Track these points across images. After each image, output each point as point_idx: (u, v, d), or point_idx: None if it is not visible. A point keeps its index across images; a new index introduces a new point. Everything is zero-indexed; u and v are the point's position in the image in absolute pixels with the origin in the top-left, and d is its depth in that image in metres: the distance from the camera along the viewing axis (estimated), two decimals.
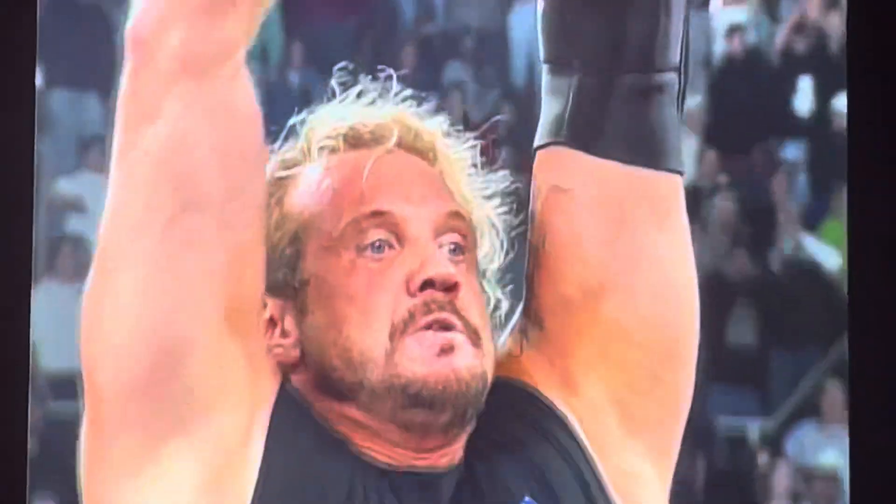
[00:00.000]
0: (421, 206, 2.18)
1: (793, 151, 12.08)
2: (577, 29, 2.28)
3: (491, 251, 2.27)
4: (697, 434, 10.74)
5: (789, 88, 12.53)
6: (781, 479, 10.33)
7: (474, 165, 2.25)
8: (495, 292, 2.27)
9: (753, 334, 11.79)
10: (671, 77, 2.28)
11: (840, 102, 12.11)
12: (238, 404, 2.13)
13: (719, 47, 13.47)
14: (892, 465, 2.93)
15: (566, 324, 2.27)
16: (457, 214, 2.17)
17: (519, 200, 2.29)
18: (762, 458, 10.64)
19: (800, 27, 13.23)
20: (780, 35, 13.72)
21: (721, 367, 10.76)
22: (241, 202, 2.12)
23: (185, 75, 2.10)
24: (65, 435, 10.78)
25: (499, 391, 2.19)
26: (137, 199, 2.09)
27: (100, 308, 2.11)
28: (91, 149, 12.30)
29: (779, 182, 11.92)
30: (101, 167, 12.13)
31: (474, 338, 2.13)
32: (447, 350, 2.10)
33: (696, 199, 12.22)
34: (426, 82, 11.98)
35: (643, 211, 2.29)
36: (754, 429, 11.08)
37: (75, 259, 11.87)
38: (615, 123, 2.28)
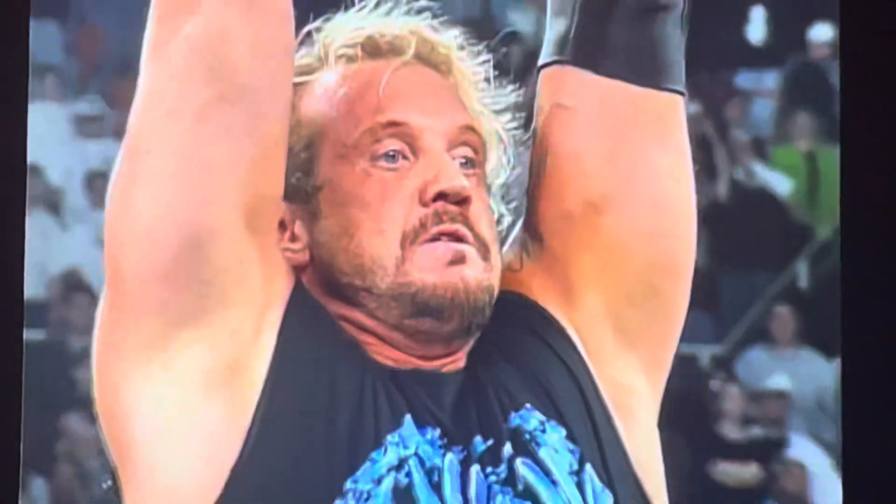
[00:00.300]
0: (436, 118, 2.18)
1: (747, 80, 12.08)
2: None
3: (497, 165, 2.28)
4: None
5: (743, 18, 12.37)
6: (732, 402, 10.34)
7: (486, 79, 2.24)
8: (499, 207, 2.29)
9: (705, 259, 11.17)
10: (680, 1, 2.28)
11: (796, 32, 12.08)
12: (252, 298, 2.13)
13: None
14: (884, 394, 3.10)
15: (566, 238, 2.27)
16: (470, 128, 2.18)
17: (528, 115, 2.30)
18: (713, 382, 10.64)
19: None
20: None
21: None
22: (273, 96, 2.15)
23: None
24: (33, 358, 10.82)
25: (499, 303, 2.20)
26: (172, 87, 2.11)
27: (128, 193, 2.12)
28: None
29: (732, 109, 11.91)
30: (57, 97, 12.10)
31: (483, 251, 2.15)
32: (458, 261, 2.11)
33: None
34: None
35: (644, 129, 2.29)
36: (705, 353, 11.00)
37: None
38: (619, 42, 2.28)
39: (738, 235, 11.14)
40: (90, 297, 10.71)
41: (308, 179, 2.21)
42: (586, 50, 2.29)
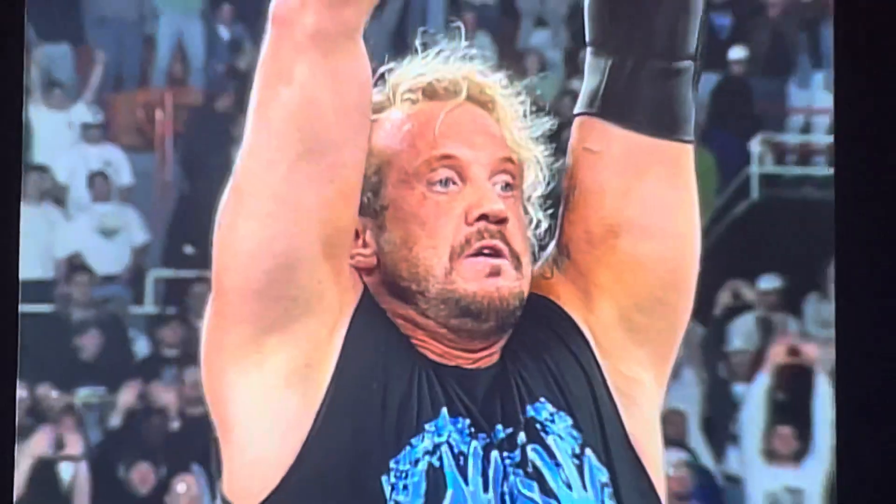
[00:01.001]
0: (481, 151, 2.36)
1: None
2: (616, 19, 2.45)
3: (536, 181, 2.46)
4: None
5: None
6: None
7: (524, 114, 2.42)
8: (537, 214, 2.47)
9: None
10: (690, 63, 2.46)
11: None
12: (328, 310, 2.33)
13: None
14: (877, 367, 3.11)
15: (588, 255, 2.47)
16: (508, 159, 2.38)
17: (559, 143, 2.50)
18: None
19: None
20: None
21: None
22: (351, 149, 2.32)
23: (315, 48, 2.29)
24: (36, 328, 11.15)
25: (532, 304, 2.41)
26: (271, 142, 2.31)
27: (233, 224, 2.32)
28: None
29: None
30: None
31: (516, 263, 2.33)
32: (494, 273, 2.31)
33: None
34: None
35: (658, 171, 2.48)
36: None
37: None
38: (641, 101, 2.46)
39: None
40: (89, 277, 11.66)
41: (376, 199, 2.39)
42: (613, 106, 2.46)
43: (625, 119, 2.46)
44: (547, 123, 2.49)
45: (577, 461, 2.36)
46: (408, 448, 2.32)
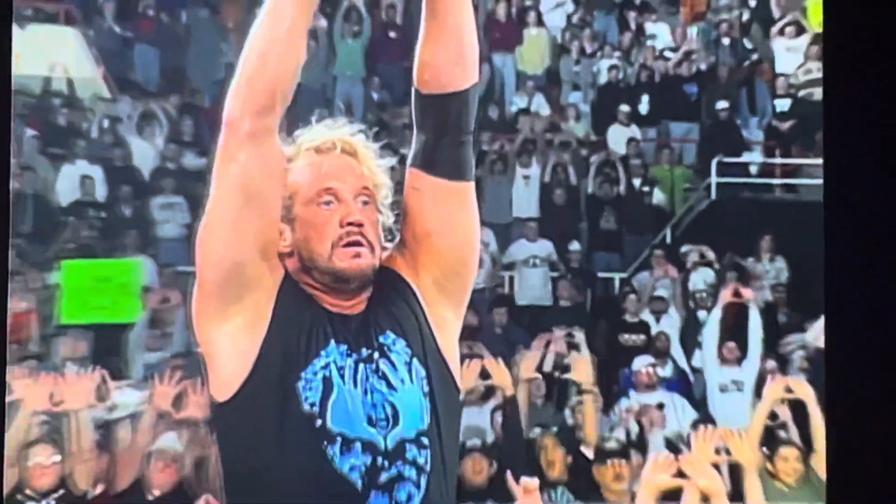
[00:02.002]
0: (348, 184, 2.94)
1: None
2: (424, 114, 2.99)
3: (386, 198, 3.00)
4: None
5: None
6: (630, 303, 11.74)
7: (378, 157, 3.03)
8: (387, 220, 3.01)
9: (616, 225, 13.18)
10: (469, 136, 2.96)
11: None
12: (264, 286, 2.90)
13: None
14: (868, 347, 3.01)
15: (415, 246, 3.02)
16: (365, 187, 2.94)
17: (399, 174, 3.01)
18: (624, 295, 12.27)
19: None
20: None
21: None
22: (273, 197, 2.86)
23: (249, 141, 2.82)
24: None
25: (383, 274, 2.99)
26: (226, 197, 2.85)
27: (205, 241, 2.89)
28: None
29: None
30: None
31: (370, 248, 2.93)
32: (356, 256, 2.91)
33: None
34: None
35: (453, 199, 2.98)
36: (616, 278, 12.71)
37: None
38: (441, 159, 2.97)
39: (638, 215, 13.11)
40: None
41: (290, 213, 2.91)
42: (426, 162, 2.97)
43: (433, 170, 2.99)
44: (392, 161, 3.05)
45: (407, 367, 2.94)
46: (311, 366, 2.89)
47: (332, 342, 2.86)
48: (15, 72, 13.75)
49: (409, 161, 3.00)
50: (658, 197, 13.27)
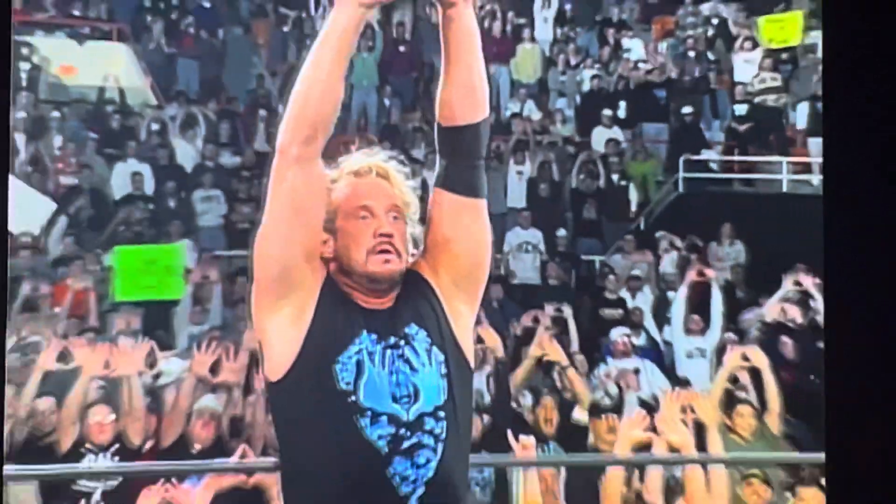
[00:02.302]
0: (381, 201, 3.03)
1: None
2: (443, 143, 3.04)
3: (414, 213, 3.08)
4: None
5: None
6: (611, 282, 11.72)
7: (408, 179, 3.10)
8: (414, 231, 3.08)
9: (596, 213, 13.16)
10: (482, 161, 3.04)
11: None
12: (309, 286, 2.98)
13: None
14: (864, 326, 2.77)
15: (436, 252, 3.08)
16: (395, 204, 3.03)
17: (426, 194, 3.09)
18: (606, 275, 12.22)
19: None
20: None
21: None
22: (316, 211, 2.96)
23: (296, 164, 2.90)
24: None
25: (409, 275, 3.06)
26: (276, 211, 2.94)
27: (260, 248, 2.96)
28: None
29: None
30: None
31: (398, 256, 3.00)
32: (387, 262, 2.99)
33: None
34: None
35: (468, 214, 3.06)
36: (598, 260, 12.76)
37: None
38: (459, 179, 3.04)
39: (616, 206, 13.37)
40: None
41: (333, 224, 2.99)
42: (445, 182, 3.04)
43: (451, 188, 3.05)
44: (415, 182, 3.12)
45: (427, 353, 3.01)
46: (347, 350, 2.96)
47: (364, 332, 2.92)
48: (73, 83, 14.41)
49: (433, 182, 3.06)
50: (633, 190, 13.43)
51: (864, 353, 2.72)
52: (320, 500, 2.87)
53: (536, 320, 9.45)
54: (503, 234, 12.35)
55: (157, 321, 10.26)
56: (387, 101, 14.30)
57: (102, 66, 14.22)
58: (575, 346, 9.63)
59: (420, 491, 2.88)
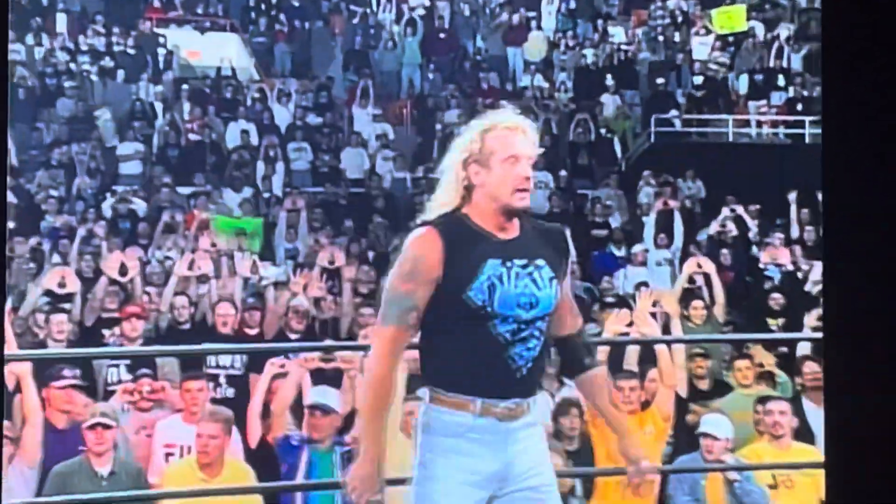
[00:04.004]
0: (526, 152, 2.97)
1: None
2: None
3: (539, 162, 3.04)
4: None
5: None
6: None
7: (536, 132, 3.01)
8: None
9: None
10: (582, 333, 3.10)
11: None
12: (431, 280, 2.90)
13: None
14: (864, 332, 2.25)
15: None
16: (531, 156, 2.96)
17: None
18: None
19: None
20: None
21: None
22: (432, 276, 2.88)
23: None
24: None
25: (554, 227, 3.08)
26: (405, 268, 2.89)
27: (395, 274, 2.93)
28: None
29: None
30: None
31: (530, 193, 2.95)
32: (523, 199, 2.94)
33: None
34: None
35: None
36: None
37: None
38: (575, 363, 3.11)
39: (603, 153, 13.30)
40: None
41: (488, 162, 2.93)
42: (568, 370, 3.26)
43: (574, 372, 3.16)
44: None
45: (550, 281, 2.99)
46: (478, 274, 2.92)
47: (489, 260, 2.89)
48: (198, 64, 14.73)
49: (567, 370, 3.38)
50: (616, 142, 13.36)
51: (863, 345, 2.33)
52: (459, 372, 2.87)
53: None
54: None
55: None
56: (430, 76, 14.27)
57: (219, 51, 14.35)
58: (573, 257, 9.51)
59: (527, 367, 2.89)
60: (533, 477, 2.89)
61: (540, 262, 2.92)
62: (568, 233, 3.05)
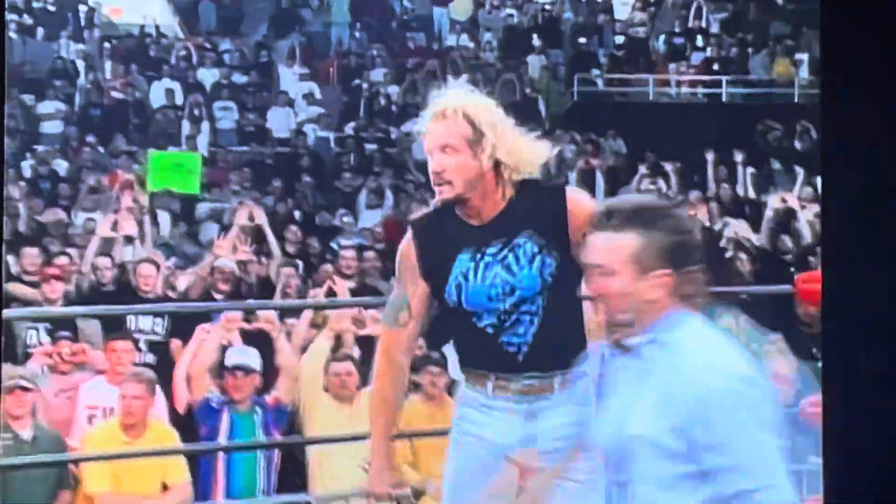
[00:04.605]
0: (435, 142, 2.76)
1: None
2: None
3: (489, 127, 2.76)
4: None
5: None
6: None
7: (476, 106, 2.80)
8: (495, 142, 2.77)
9: None
10: None
11: None
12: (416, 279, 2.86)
13: None
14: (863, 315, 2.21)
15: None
16: (447, 143, 2.71)
17: None
18: None
19: None
20: None
21: None
22: (416, 284, 2.83)
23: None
24: None
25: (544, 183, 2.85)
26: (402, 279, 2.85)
27: (398, 280, 2.88)
28: None
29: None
30: None
31: (451, 183, 2.73)
32: (441, 193, 2.74)
33: None
34: None
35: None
36: None
37: None
38: None
39: (528, 113, 13.06)
40: None
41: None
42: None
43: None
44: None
45: (534, 256, 2.72)
46: (447, 275, 2.80)
47: (459, 256, 2.75)
48: (121, 21, 14.41)
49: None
50: (541, 101, 13.35)
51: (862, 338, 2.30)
52: (468, 351, 2.80)
53: None
54: None
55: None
56: (357, 35, 14.09)
57: (142, 9, 14.09)
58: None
59: (525, 349, 2.71)
60: (560, 460, 2.65)
61: (521, 239, 2.69)
62: (570, 189, 2.78)
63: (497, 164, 2.67)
